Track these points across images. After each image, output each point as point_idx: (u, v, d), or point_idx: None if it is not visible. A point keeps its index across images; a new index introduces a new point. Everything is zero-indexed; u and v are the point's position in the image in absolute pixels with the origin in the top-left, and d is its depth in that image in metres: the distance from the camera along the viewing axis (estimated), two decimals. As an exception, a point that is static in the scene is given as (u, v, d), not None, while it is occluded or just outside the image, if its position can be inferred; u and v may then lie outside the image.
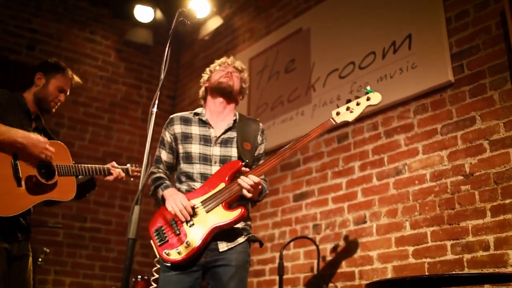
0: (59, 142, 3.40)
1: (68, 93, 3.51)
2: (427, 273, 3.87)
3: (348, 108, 2.77)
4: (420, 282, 3.48)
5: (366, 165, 4.60)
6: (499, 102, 3.77)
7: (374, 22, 4.84)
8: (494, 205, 3.62)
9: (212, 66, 3.40)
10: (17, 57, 6.45)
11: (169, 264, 2.84)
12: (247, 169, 2.89)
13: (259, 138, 3.20)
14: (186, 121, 3.17)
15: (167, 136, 3.17)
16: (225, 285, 2.81)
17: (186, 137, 3.10)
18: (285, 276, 3.79)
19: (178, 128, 3.15)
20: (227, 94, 3.20)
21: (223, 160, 3.02)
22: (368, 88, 2.65)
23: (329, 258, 4.66)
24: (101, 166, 3.42)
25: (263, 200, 3.17)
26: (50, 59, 3.57)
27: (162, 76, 2.01)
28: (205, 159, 3.03)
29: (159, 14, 6.89)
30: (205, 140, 3.08)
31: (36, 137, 3.10)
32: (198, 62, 7.51)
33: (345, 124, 2.58)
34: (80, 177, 3.48)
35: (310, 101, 5.28)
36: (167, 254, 2.81)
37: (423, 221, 4.03)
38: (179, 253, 2.80)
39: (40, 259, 5.39)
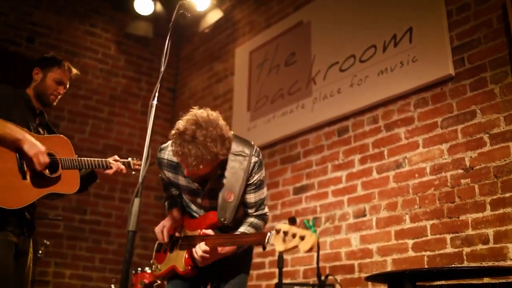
0: (62, 136, 3.42)
1: (67, 86, 3.51)
2: (426, 266, 3.88)
3: (285, 235, 2.16)
4: (420, 275, 3.49)
5: (366, 158, 4.60)
6: (499, 96, 3.76)
7: (374, 15, 4.83)
8: (494, 199, 3.62)
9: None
10: (17, 49, 6.43)
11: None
12: (208, 232, 2.68)
13: (250, 177, 2.75)
14: (174, 168, 2.84)
15: (164, 176, 2.96)
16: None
17: (177, 187, 2.94)
18: (284, 269, 3.80)
19: (168, 174, 2.90)
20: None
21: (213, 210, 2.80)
22: (310, 223, 2.20)
23: (328, 251, 4.66)
24: (101, 159, 3.42)
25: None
26: (47, 54, 3.57)
27: (162, 69, 2.01)
28: (198, 206, 2.90)
29: (159, 6, 6.87)
30: (192, 194, 2.85)
31: (35, 150, 3.04)
32: (198, 55, 7.49)
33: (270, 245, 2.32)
34: (82, 170, 3.49)
35: (310, 94, 5.28)
36: (152, 264, 2.99)
37: (423, 214, 4.03)
38: (158, 268, 2.95)
39: (40, 251, 5.40)
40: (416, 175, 4.15)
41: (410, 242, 4.06)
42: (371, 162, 4.54)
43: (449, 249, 3.80)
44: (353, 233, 4.52)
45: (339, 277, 4.36)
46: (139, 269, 4.62)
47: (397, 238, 4.17)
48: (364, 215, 4.46)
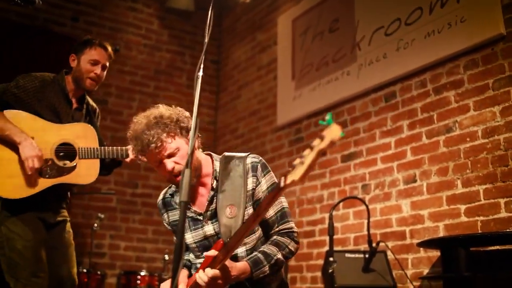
0: (88, 124, 3.45)
1: (106, 65, 3.48)
2: (480, 231, 3.81)
3: (302, 158, 1.69)
4: (474, 240, 3.45)
5: (415, 123, 4.51)
6: (555, 53, 3.61)
7: (420, -24, 4.68)
8: (551, 161, 3.51)
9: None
10: (62, 29, 6.55)
11: None
12: (212, 254, 2.18)
13: (250, 181, 2.37)
14: (169, 205, 2.59)
15: (167, 224, 2.64)
16: None
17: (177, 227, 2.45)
18: (335, 236, 3.81)
19: (169, 216, 2.61)
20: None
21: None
22: (327, 117, 1.60)
23: (379, 218, 4.64)
24: (120, 148, 3.35)
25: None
26: (80, 39, 3.58)
27: (206, 40, 2.00)
28: (205, 247, 2.43)
29: (199, -22, 6.85)
30: (195, 222, 2.45)
31: (27, 154, 3.10)
32: (240, 26, 7.45)
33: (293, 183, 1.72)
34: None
35: (355, 60, 5.19)
36: None
37: (475, 179, 3.94)
38: None
39: (95, 225, 5.59)
40: (468, 139, 4.05)
41: (463, 207, 3.99)
42: (420, 127, 4.46)
43: (503, 214, 3.71)
44: (403, 199, 4.47)
45: (390, 244, 4.34)
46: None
47: (449, 203, 4.10)
48: (415, 181, 4.40)
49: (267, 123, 6.44)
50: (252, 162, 2.39)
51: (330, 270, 3.41)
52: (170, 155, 2.32)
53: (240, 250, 2.34)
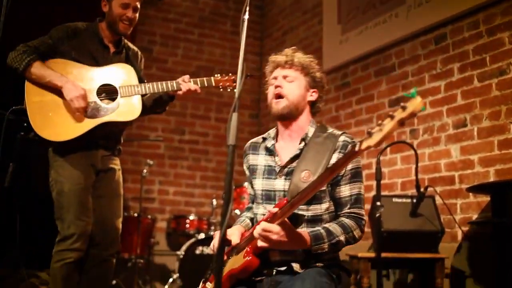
0: (125, 64, 3.48)
1: (137, 7, 3.46)
2: (533, 176, 3.73)
3: (380, 125, 1.71)
4: (526, 184, 3.37)
5: (466, 66, 4.37)
6: None
7: None
8: None
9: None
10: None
11: None
12: (275, 210, 2.13)
13: (335, 156, 2.36)
14: (255, 149, 2.62)
15: (246, 169, 2.66)
16: None
17: (253, 171, 2.58)
18: (382, 181, 3.78)
19: (250, 159, 2.63)
20: (283, 117, 2.48)
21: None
22: (412, 90, 1.58)
23: (427, 163, 4.58)
24: (168, 82, 3.37)
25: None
26: None
27: (250, -17, 1.96)
28: (268, 198, 2.46)
29: None
30: (270, 173, 2.48)
31: (71, 95, 3.19)
32: (284, -31, 7.28)
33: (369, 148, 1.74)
34: (148, 95, 3.54)
35: (404, 2, 5.01)
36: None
37: (529, 122, 3.83)
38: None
39: (144, 171, 5.73)
40: (522, 81, 3.91)
41: (515, 151, 3.89)
42: (472, 70, 4.31)
43: (558, 158, 3.61)
44: (453, 144, 4.38)
45: (438, 189, 4.29)
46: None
47: (500, 148, 4.00)
48: (465, 126, 4.30)
49: (313, 69, 6.35)
50: (344, 141, 2.38)
51: (377, 215, 3.40)
52: (286, 77, 2.46)
53: (301, 213, 2.31)
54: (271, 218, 2.13)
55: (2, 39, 2.81)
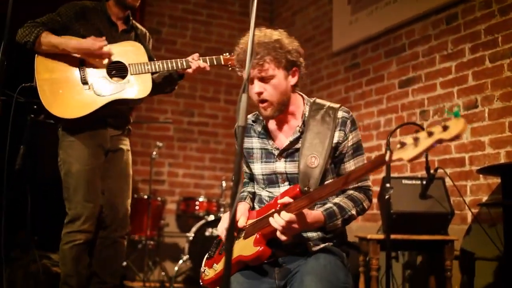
0: (134, 42, 3.49)
1: None
2: (544, 158, 3.70)
3: (416, 140, 1.69)
4: (537, 166, 3.34)
5: (478, 46, 4.31)
6: None
7: None
8: None
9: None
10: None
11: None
12: (287, 201, 2.15)
13: (337, 135, 2.33)
14: (246, 131, 2.51)
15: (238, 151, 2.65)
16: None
17: (249, 155, 2.52)
18: (391, 163, 3.77)
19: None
20: (275, 117, 2.40)
21: (292, 179, 2.37)
22: (456, 109, 1.50)
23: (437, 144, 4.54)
24: (178, 60, 3.37)
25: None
26: None
27: (259, -38, 1.94)
28: (271, 181, 2.44)
29: None
30: (267, 157, 2.44)
31: (88, 43, 3.22)
32: None
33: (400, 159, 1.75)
34: (158, 74, 3.54)
35: (415, -19, 4.95)
36: (203, 271, 2.49)
37: (541, 103, 3.78)
38: (206, 274, 2.46)
39: (154, 153, 5.75)
40: (535, 62, 3.86)
41: (526, 133, 3.85)
42: (483, 50, 4.26)
43: None
44: (463, 125, 4.34)
45: (448, 170, 4.27)
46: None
47: (511, 129, 3.96)
48: (476, 107, 4.26)
49: (323, 49, 6.31)
50: (342, 117, 2.35)
51: (386, 196, 3.39)
52: (263, 79, 2.30)
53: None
54: (285, 207, 2.14)
55: (10, 18, 2.78)
